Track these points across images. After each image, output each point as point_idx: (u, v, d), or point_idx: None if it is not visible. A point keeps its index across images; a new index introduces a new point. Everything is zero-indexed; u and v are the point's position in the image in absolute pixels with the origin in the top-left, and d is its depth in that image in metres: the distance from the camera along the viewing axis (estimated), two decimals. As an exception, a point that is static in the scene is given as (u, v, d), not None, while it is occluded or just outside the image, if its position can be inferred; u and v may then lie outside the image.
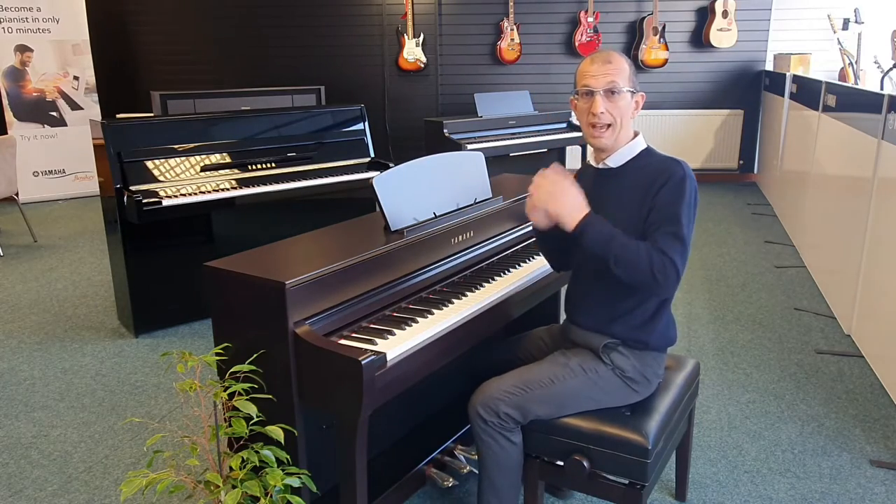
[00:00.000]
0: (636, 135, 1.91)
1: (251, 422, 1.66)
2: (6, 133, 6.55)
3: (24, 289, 4.42)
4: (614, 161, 1.89)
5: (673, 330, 1.94)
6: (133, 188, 3.39)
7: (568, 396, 1.85)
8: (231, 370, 1.69)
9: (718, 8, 6.78)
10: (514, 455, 1.88)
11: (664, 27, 6.89)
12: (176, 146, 3.60)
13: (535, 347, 2.13)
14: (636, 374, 1.88)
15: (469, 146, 5.42)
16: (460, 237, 2.21)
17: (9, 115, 6.68)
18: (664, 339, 1.91)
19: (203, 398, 1.78)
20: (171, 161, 3.57)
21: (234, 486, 1.62)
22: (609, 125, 1.84)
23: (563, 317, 2.29)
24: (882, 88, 5.59)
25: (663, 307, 1.88)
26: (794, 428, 2.68)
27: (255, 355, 1.72)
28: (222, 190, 3.58)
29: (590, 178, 1.94)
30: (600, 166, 1.92)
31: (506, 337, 2.25)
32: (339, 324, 1.78)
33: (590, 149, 1.98)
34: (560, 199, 1.77)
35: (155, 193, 3.37)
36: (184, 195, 3.45)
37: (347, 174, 4.02)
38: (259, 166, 3.81)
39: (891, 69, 5.59)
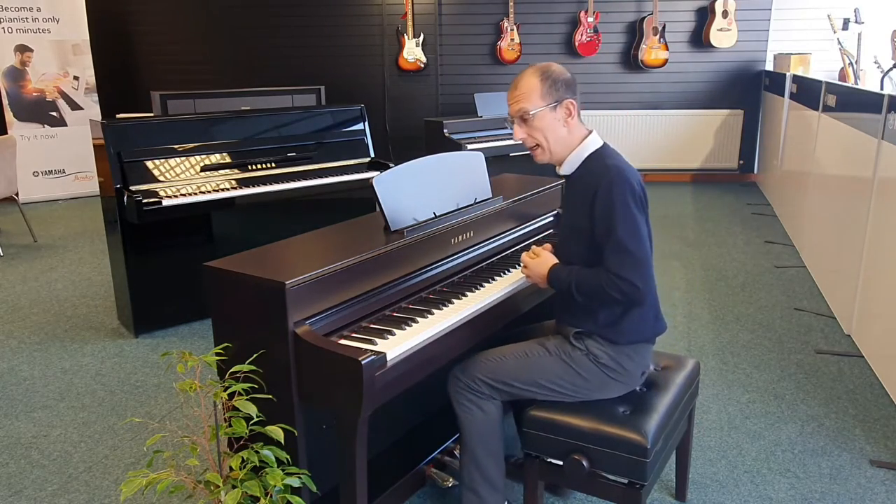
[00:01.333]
0: (585, 137, 1.90)
1: (251, 422, 1.66)
2: (6, 133, 6.54)
3: (24, 289, 4.42)
4: (565, 169, 1.94)
5: (650, 323, 1.91)
6: (133, 188, 3.39)
7: (540, 373, 1.89)
8: (231, 370, 1.69)
9: (718, 8, 6.78)
10: (490, 421, 1.91)
11: (664, 27, 6.88)
12: (176, 146, 3.60)
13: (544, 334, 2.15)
14: (612, 362, 1.87)
15: (469, 146, 5.43)
16: (460, 237, 2.21)
17: (9, 115, 6.68)
18: (639, 334, 1.89)
19: (203, 398, 1.78)
20: (171, 161, 3.57)
21: (234, 486, 1.62)
22: (537, 146, 1.89)
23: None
24: (882, 88, 5.58)
25: (632, 307, 1.86)
26: (794, 428, 2.68)
27: (255, 355, 1.72)
28: (222, 190, 3.58)
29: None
30: (561, 173, 1.97)
31: (505, 336, 2.26)
32: (339, 324, 1.78)
33: None
34: (530, 273, 1.99)
35: (155, 193, 3.37)
36: (184, 195, 3.45)
37: (347, 174, 4.02)
38: (259, 166, 3.81)
39: (891, 69, 5.59)
